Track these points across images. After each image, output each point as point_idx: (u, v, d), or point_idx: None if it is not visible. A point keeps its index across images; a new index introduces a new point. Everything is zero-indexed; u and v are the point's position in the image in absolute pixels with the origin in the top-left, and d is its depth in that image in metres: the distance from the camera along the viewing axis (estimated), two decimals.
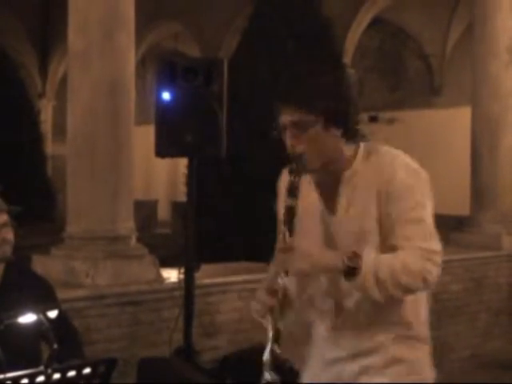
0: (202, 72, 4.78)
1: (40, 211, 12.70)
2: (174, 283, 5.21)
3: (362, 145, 2.48)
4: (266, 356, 2.41)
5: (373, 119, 16.44)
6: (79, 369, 2.39)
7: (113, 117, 5.09)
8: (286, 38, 7.86)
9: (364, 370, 2.51)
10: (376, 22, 16.06)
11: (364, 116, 9.99)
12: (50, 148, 16.91)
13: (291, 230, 2.36)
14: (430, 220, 2.41)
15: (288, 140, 2.41)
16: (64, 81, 13.03)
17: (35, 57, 20.46)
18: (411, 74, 17.36)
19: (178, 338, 4.83)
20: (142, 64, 17.26)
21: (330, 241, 2.48)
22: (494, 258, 7.89)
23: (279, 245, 2.40)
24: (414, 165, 2.45)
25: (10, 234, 3.19)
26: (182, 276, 4.96)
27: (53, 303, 2.90)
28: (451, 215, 10.89)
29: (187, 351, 4.78)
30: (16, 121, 13.50)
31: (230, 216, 7.78)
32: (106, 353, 4.63)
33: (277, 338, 2.40)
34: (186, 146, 4.76)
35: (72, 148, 5.20)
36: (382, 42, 17.40)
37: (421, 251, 2.33)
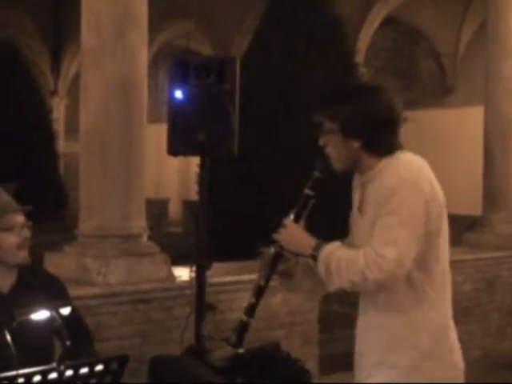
0: (214, 70, 4.77)
1: (52, 209, 12.74)
2: (185, 281, 5.21)
3: (384, 159, 2.68)
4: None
5: None
6: (92, 366, 2.40)
7: (125, 115, 5.09)
8: (297, 36, 7.86)
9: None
10: (388, 22, 16.02)
11: None
12: (62, 146, 16.96)
13: (298, 214, 2.76)
14: (397, 229, 2.54)
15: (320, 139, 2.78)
16: (76, 79, 13.07)
17: (47, 55, 20.49)
18: (424, 74, 17.30)
19: (189, 336, 4.83)
20: (154, 62, 17.28)
21: (355, 234, 2.79)
22: (506, 258, 7.85)
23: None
24: (408, 173, 2.61)
25: (29, 234, 3.20)
26: (193, 274, 4.95)
27: (65, 301, 2.91)
28: (463, 215, 10.83)
29: (198, 349, 4.78)
30: (28, 119, 13.55)
31: (241, 214, 7.78)
32: (118, 350, 4.64)
33: (249, 310, 2.83)
34: (199, 144, 4.75)
35: (84, 146, 5.21)
36: (395, 42, 17.35)
37: (371, 253, 2.53)
